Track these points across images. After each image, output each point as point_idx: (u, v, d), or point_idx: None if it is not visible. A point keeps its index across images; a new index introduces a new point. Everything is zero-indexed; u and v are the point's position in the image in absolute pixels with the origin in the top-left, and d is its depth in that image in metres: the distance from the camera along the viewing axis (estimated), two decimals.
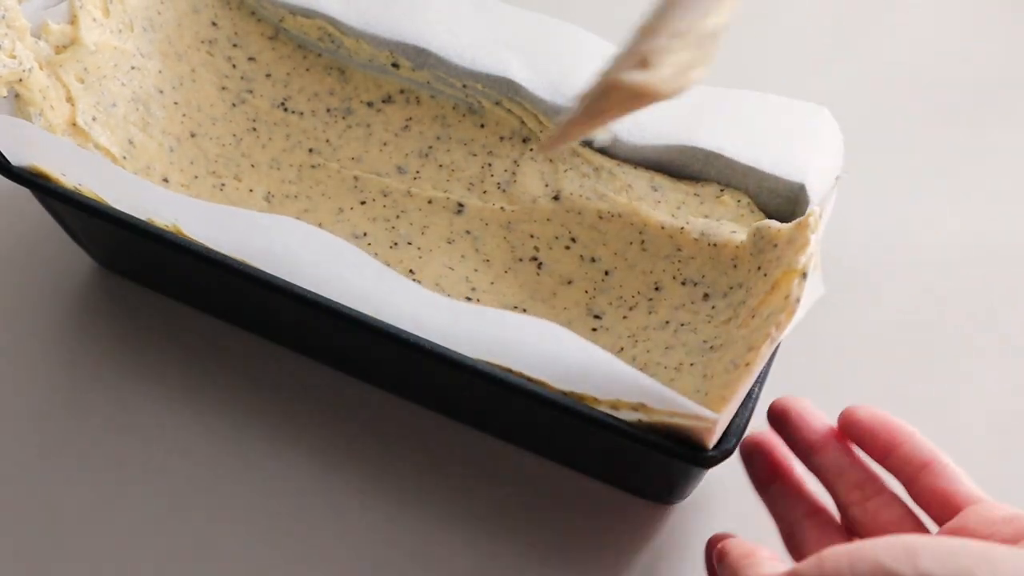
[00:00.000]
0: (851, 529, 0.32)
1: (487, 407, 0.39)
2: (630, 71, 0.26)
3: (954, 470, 0.31)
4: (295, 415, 0.41)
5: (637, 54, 0.26)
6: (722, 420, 0.31)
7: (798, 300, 0.32)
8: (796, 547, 0.33)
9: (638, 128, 0.42)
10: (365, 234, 0.42)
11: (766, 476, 0.34)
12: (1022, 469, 0.40)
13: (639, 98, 0.27)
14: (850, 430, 0.33)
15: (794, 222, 0.36)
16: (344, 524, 0.39)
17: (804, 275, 0.33)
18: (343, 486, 0.40)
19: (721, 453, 0.32)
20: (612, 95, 0.27)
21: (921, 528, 0.31)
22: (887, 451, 0.32)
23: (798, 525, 0.33)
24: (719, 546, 0.31)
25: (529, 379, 0.33)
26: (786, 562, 0.31)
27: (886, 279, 0.47)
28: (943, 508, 0.30)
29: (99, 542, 0.38)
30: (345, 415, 0.41)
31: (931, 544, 0.24)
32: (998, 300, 0.46)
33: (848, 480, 0.32)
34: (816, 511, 0.33)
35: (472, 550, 0.38)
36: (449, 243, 0.42)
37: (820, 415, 0.34)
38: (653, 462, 0.35)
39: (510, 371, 0.33)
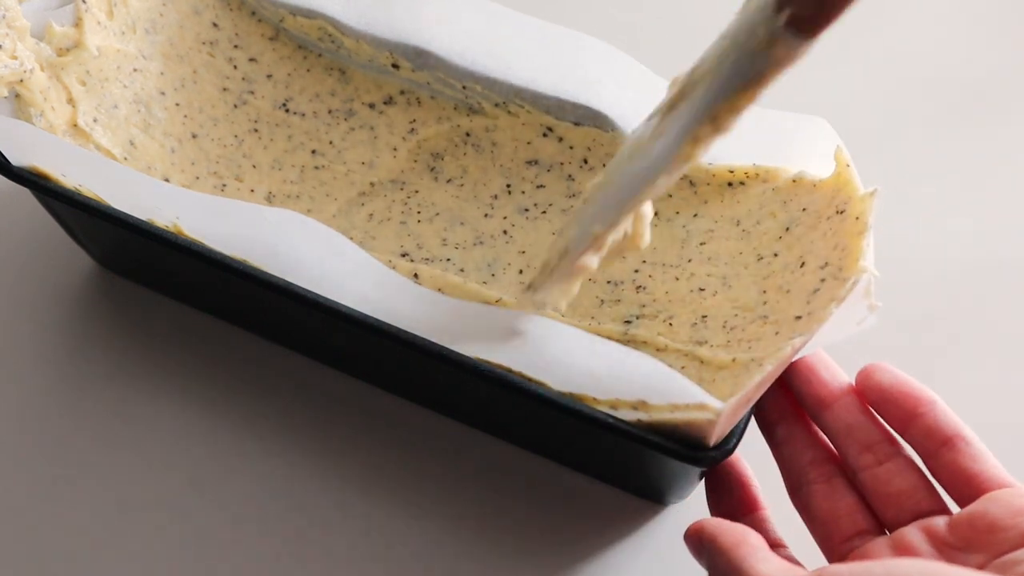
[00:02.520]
0: (862, 495, 0.31)
1: (486, 406, 0.39)
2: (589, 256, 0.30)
3: (978, 448, 0.29)
4: (295, 414, 0.41)
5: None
6: (724, 416, 0.30)
7: None
8: (803, 504, 0.31)
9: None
10: (374, 238, 0.42)
11: (772, 416, 0.32)
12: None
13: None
14: (868, 393, 0.31)
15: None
16: (343, 524, 0.39)
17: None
18: (343, 485, 0.40)
19: (720, 453, 0.31)
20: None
21: (937, 502, 0.30)
22: (907, 421, 0.30)
23: (805, 476, 0.31)
24: (704, 529, 0.29)
25: (529, 379, 0.33)
26: (781, 555, 0.30)
27: (885, 280, 0.46)
28: (964, 489, 0.29)
29: (99, 541, 0.38)
30: (345, 414, 0.41)
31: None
32: (999, 302, 0.46)
33: (859, 440, 0.30)
34: (826, 459, 0.31)
35: (470, 549, 0.38)
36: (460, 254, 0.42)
37: (836, 370, 0.32)
38: (652, 462, 0.35)
39: (510, 371, 0.33)
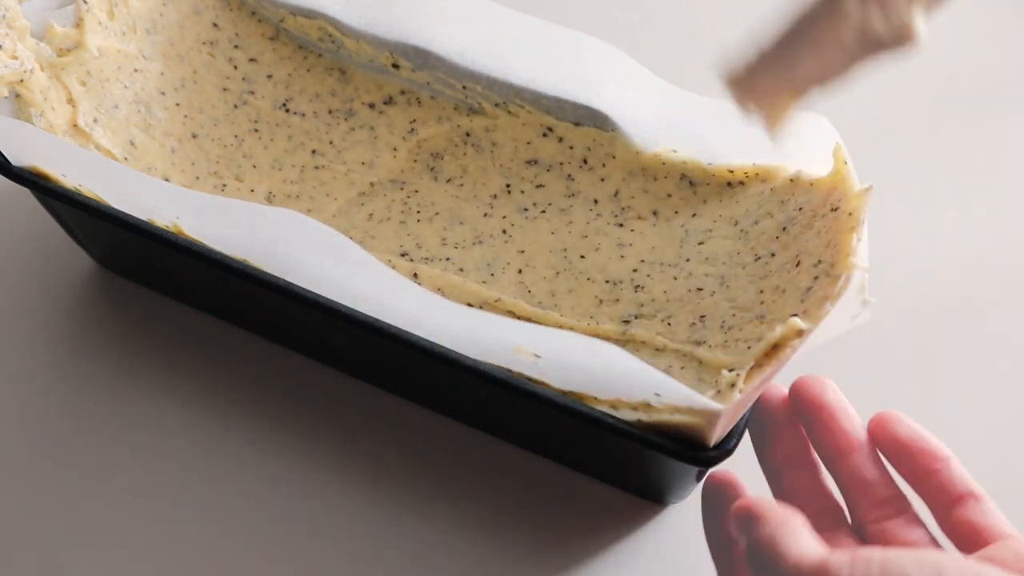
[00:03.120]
0: (864, 543, 0.31)
1: (486, 406, 0.39)
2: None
3: (989, 505, 0.30)
4: (295, 415, 0.41)
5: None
6: (724, 417, 0.30)
7: None
8: None
9: (639, 130, 0.42)
10: (374, 238, 0.42)
11: (781, 460, 0.32)
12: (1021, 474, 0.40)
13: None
14: (883, 444, 0.31)
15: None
16: (343, 524, 0.39)
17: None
18: (343, 486, 0.40)
19: (720, 453, 0.31)
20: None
21: None
22: (922, 476, 0.30)
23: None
24: (751, 507, 0.27)
25: (529, 379, 0.33)
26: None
27: (884, 280, 0.47)
28: (972, 540, 0.29)
29: (98, 542, 0.38)
30: (345, 414, 0.41)
31: (960, 568, 0.23)
32: (999, 301, 0.46)
33: (872, 497, 0.31)
34: (831, 509, 0.31)
35: (470, 549, 0.38)
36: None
37: (855, 418, 0.32)
38: (652, 462, 0.35)
39: (509, 371, 0.33)
